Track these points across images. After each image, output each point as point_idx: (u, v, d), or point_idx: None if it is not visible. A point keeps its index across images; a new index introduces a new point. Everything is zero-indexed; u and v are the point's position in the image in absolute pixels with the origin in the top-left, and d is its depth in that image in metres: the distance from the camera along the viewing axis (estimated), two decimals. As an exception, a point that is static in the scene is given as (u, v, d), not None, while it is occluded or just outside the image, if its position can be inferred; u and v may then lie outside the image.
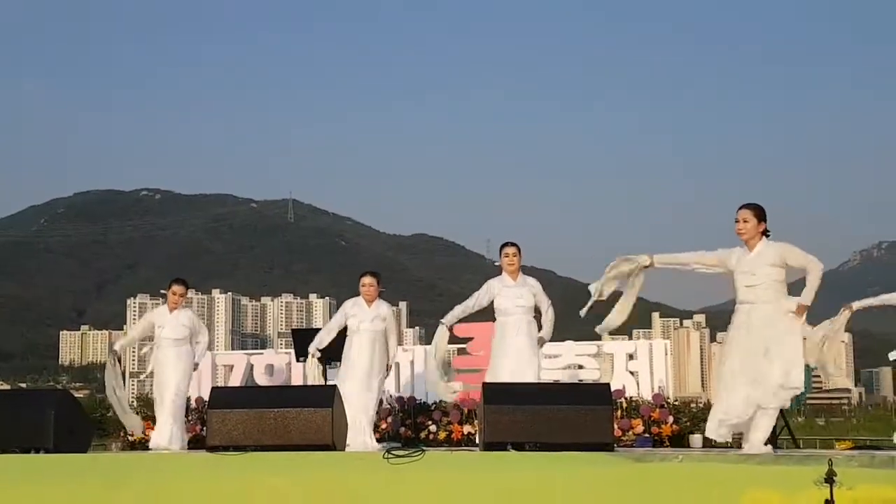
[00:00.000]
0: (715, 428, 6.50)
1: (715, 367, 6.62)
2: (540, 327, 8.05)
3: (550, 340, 8.35)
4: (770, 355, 6.35)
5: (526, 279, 8.17)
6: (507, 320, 8.03)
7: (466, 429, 9.52)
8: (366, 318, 8.42)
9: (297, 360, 10.18)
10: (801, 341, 6.41)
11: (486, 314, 8.57)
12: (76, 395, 9.34)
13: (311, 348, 8.49)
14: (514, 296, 8.03)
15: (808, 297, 6.39)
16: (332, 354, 9.44)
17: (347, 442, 7.66)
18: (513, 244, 8.21)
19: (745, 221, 6.52)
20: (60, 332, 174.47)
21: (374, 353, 8.39)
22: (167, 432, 8.64)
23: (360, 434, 8.08)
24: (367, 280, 8.54)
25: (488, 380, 7.53)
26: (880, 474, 5.07)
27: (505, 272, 8.15)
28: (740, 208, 6.57)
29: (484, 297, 8.15)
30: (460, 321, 8.41)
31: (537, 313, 8.14)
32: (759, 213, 6.53)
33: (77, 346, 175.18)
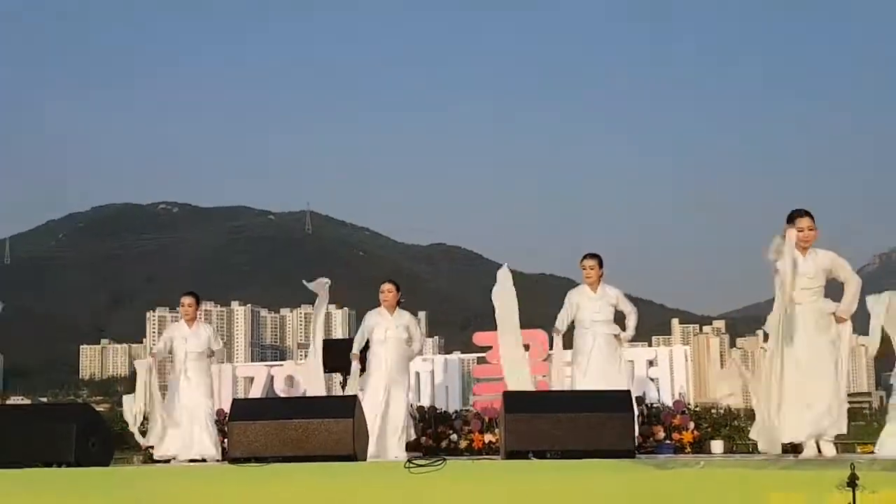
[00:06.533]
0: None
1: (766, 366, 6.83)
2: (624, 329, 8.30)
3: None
4: (824, 363, 6.69)
5: (606, 289, 8.29)
6: (584, 333, 8.21)
7: (487, 437, 9.51)
8: (390, 325, 8.48)
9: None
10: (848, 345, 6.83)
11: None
12: (97, 409, 9.38)
13: (354, 367, 8.53)
14: (591, 309, 8.20)
15: (849, 308, 6.83)
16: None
17: (374, 451, 7.75)
18: (593, 255, 8.33)
19: (811, 229, 6.81)
20: (80, 347, 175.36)
21: (399, 360, 8.45)
22: (210, 442, 8.76)
23: (386, 442, 8.15)
24: (386, 287, 8.60)
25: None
26: (903, 478, 5.03)
27: (584, 284, 8.28)
28: (804, 216, 6.80)
29: (570, 310, 8.26)
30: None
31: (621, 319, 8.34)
32: (814, 220, 6.85)
33: (97, 360, 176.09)
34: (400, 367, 8.49)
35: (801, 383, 6.65)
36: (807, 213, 6.84)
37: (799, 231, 6.77)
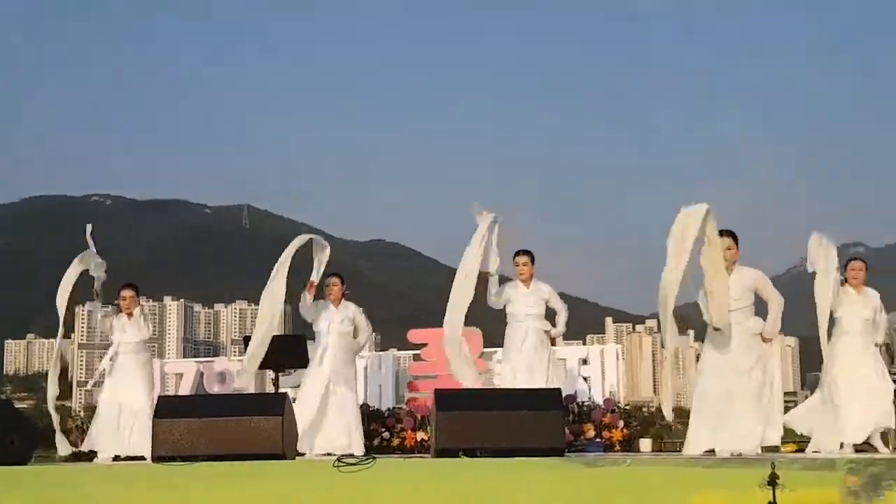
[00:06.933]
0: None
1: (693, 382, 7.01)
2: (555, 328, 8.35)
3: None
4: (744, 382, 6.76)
5: (538, 285, 8.30)
6: (517, 326, 8.20)
7: (420, 435, 9.48)
8: (333, 319, 8.40)
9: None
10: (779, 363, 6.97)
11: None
12: (21, 405, 9.16)
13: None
14: (525, 303, 8.19)
15: (773, 329, 6.91)
16: (283, 362, 9.36)
17: (319, 444, 7.78)
18: (525, 252, 8.32)
19: (728, 249, 6.83)
20: (5, 342, 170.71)
21: (342, 353, 8.38)
22: (146, 441, 8.32)
23: (334, 437, 8.08)
24: (331, 280, 8.52)
25: (499, 386, 7.85)
26: (821, 476, 5.16)
27: (517, 280, 8.26)
28: (724, 236, 6.78)
29: (500, 296, 8.20)
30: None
31: (552, 316, 8.36)
32: (737, 239, 6.91)
33: (22, 355, 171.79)
34: (344, 359, 8.42)
35: (721, 402, 6.78)
36: (727, 234, 6.85)
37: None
